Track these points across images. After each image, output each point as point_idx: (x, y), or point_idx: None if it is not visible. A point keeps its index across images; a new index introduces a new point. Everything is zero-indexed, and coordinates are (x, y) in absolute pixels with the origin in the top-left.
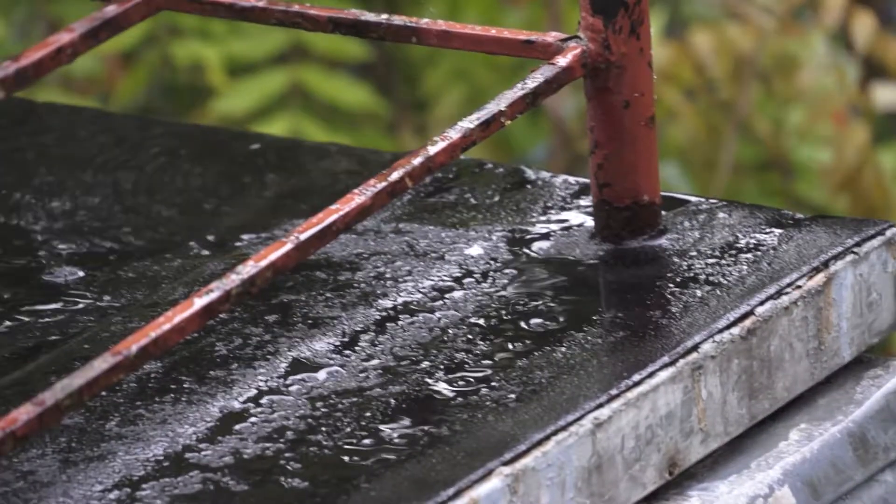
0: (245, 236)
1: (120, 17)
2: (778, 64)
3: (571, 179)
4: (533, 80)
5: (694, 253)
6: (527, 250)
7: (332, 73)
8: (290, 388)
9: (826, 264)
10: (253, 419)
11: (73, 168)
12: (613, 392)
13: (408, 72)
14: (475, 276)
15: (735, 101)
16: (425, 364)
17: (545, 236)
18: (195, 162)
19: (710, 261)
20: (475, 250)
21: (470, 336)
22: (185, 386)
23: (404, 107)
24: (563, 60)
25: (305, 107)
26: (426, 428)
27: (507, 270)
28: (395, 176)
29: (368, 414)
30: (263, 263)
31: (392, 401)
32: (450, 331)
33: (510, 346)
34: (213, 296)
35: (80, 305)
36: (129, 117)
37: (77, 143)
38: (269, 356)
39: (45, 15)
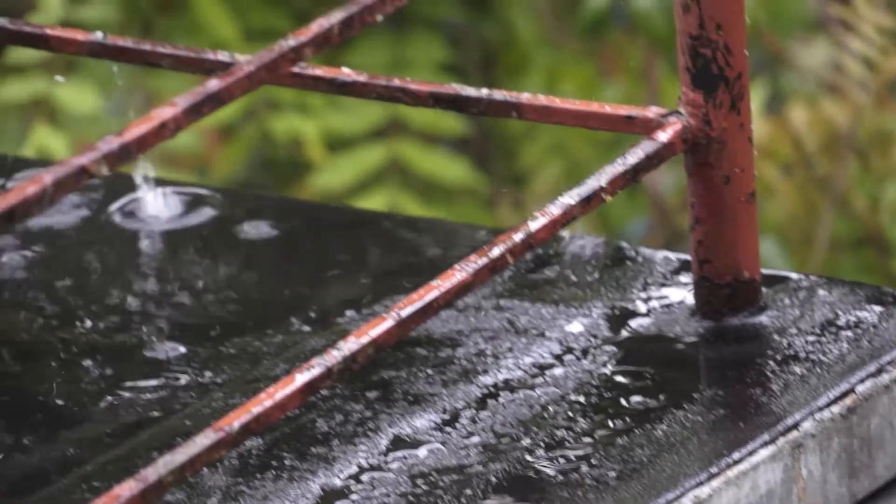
0: (346, 312)
1: (222, 91)
2: (874, 139)
3: (672, 256)
4: (634, 156)
5: (794, 330)
6: (627, 327)
7: (430, 148)
8: (391, 465)
9: None
10: (354, 496)
11: (173, 243)
12: (714, 470)
13: (505, 146)
14: (575, 352)
15: (832, 177)
16: (526, 441)
17: (645, 313)
18: (295, 236)
19: (811, 338)
20: (575, 327)
21: (570, 413)
22: (286, 462)
23: (502, 181)
24: (663, 136)
25: (403, 181)
26: None
27: (607, 347)
28: (495, 252)
29: (469, 491)
30: (365, 340)
31: (492, 478)
32: (550, 408)
33: (610, 424)
34: (315, 372)
35: (182, 381)
36: (228, 191)
37: (180, 218)
38: (369, 433)
39: (143, 88)
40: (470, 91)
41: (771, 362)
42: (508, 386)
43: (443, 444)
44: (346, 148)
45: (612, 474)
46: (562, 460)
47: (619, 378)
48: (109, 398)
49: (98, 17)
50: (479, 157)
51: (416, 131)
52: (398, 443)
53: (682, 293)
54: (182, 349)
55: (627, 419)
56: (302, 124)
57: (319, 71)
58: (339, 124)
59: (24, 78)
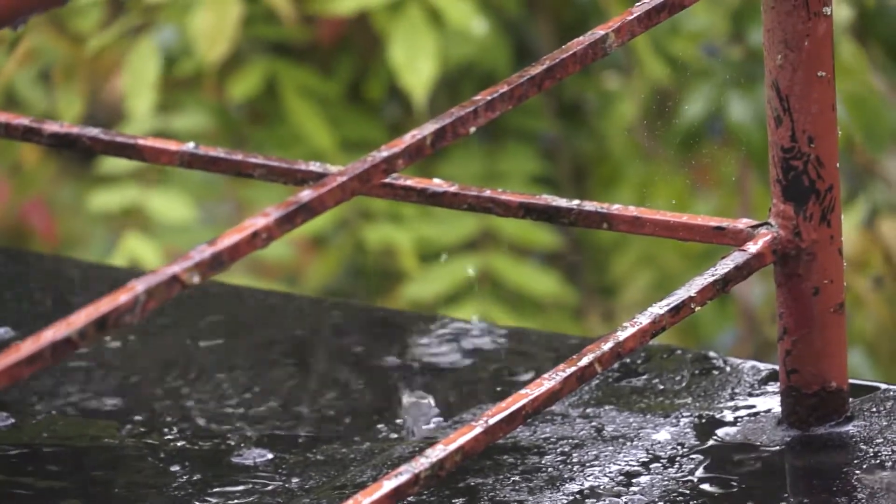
0: (433, 419)
1: (315, 201)
2: None
3: (759, 365)
4: (723, 267)
5: (881, 440)
6: (714, 435)
7: (521, 260)
8: None
9: None
10: None
11: (262, 350)
12: None
13: (596, 256)
14: (662, 461)
15: None
16: None
17: (732, 422)
18: (383, 345)
19: None
20: (662, 435)
21: None
22: None
23: (592, 291)
24: (753, 247)
25: (494, 293)
26: None
27: (693, 456)
28: (584, 361)
29: None
30: (452, 447)
31: None
32: None
33: None
34: (402, 479)
35: (270, 487)
36: (318, 301)
37: (267, 326)
38: None
39: (234, 198)
40: (560, 202)
41: (857, 471)
42: (594, 493)
43: None
44: (438, 259)
45: None
46: None
47: (706, 486)
48: (197, 503)
49: (190, 127)
50: (570, 267)
51: (508, 243)
52: None
53: (769, 402)
54: (269, 455)
55: None
56: (395, 234)
57: (411, 181)
58: (431, 235)
59: (115, 187)
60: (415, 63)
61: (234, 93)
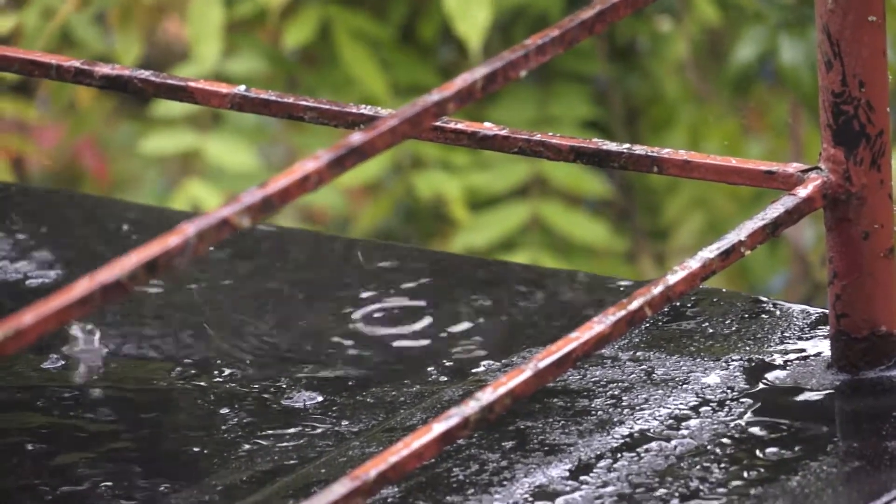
0: (483, 363)
1: (365, 145)
2: None
3: (809, 309)
4: (773, 211)
5: None
6: (763, 379)
7: (571, 208)
8: None
9: None
10: None
11: (314, 293)
12: None
13: (648, 200)
14: (711, 404)
15: None
16: (660, 492)
17: (782, 366)
18: (434, 288)
19: None
20: (712, 379)
21: (705, 464)
22: None
23: (643, 235)
24: (803, 191)
25: (544, 241)
26: None
27: (743, 399)
28: (634, 305)
29: None
30: (502, 390)
31: None
32: (685, 459)
33: (745, 475)
34: (452, 422)
35: (319, 430)
36: (371, 244)
37: (319, 269)
38: (505, 482)
39: (287, 143)
40: (611, 146)
41: None
42: (644, 436)
43: (578, 493)
44: (489, 207)
45: None
46: None
47: (755, 430)
48: (247, 446)
49: (245, 70)
50: (621, 211)
51: (558, 191)
52: (533, 492)
53: (819, 346)
54: (319, 398)
55: (762, 470)
56: (446, 182)
57: (462, 125)
58: (482, 182)
59: (169, 131)
60: (469, 10)
61: (289, 39)
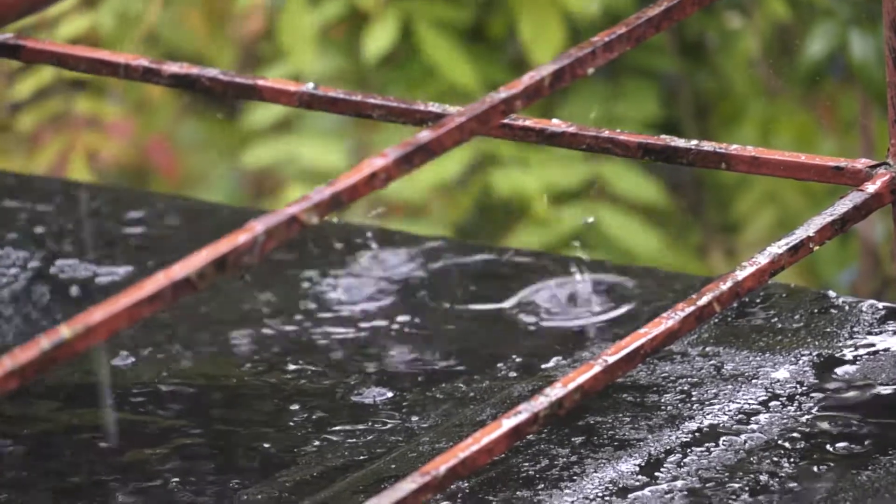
0: (553, 358)
1: (433, 142)
2: None
3: (878, 304)
4: (842, 206)
5: None
6: (833, 374)
7: (628, 214)
8: None
9: None
10: None
11: (382, 291)
12: None
13: (718, 195)
14: (781, 399)
15: None
16: (730, 486)
17: (851, 360)
18: (503, 283)
19: None
20: (781, 374)
21: (775, 459)
22: None
23: (714, 230)
24: (871, 187)
25: (602, 243)
26: None
27: (812, 394)
28: (703, 300)
29: None
30: (572, 386)
31: None
32: (755, 454)
33: (815, 470)
34: (522, 417)
35: (389, 425)
36: (441, 240)
37: (387, 266)
38: (574, 477)
39: (360, 141)
40: (679, 142)
41: None
42: (714, 431)
43: (648, 489)
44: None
45: None
46: None
47: (824, 425)
48: (317, 442)
49: (321, 70)
50: (692, 204)
51: (619, 197)
52: (603, 487)
53: (888, 341)
54: (389, 394)
55: (832, 465)
56: (524, 178)
57: (529, 122)
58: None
59: (262, 141)
60: (544, 36)
61: (370, 48)
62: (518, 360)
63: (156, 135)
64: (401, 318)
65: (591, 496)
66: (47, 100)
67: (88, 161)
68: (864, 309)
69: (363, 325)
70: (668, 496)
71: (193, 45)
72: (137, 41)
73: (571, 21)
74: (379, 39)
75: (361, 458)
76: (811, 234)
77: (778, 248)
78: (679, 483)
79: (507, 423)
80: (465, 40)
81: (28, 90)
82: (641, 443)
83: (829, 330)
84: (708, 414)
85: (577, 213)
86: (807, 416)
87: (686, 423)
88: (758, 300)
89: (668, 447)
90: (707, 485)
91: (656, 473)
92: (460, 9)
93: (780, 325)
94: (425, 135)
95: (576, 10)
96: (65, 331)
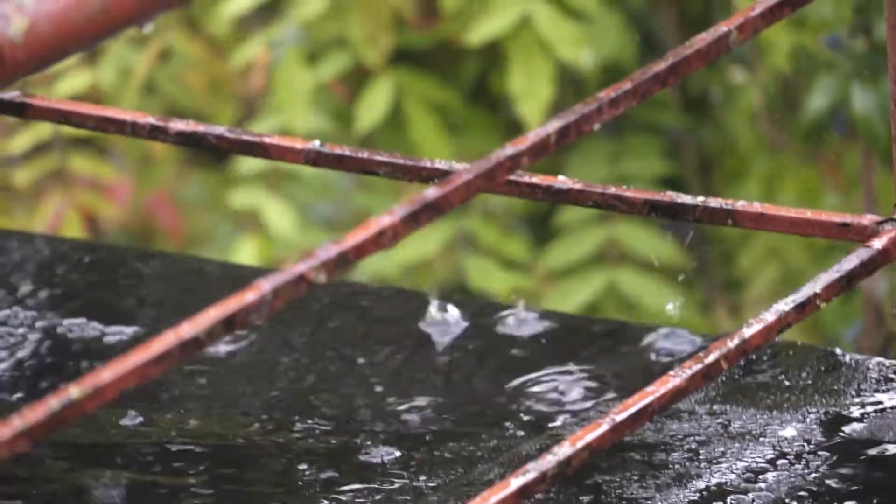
0: (560, 417)
1: (440, 200)
2: None
3: (885, 361)
4: (848, 263)
5: None
6: (840, 432)
7: (645, 274)
8: None
9: None
10: None
11: (389, 349)
12: None
13: (721, 250)
14: (789, 457)
15: None
16: None
17: (859, 418)
18: (508, 343)
19: None
20: (789, 432)
21: None
22: None
23: (718, 286)
24: (878, 243)
25: (620, 305)
26: None
27: (820, 452)
28: (710, 358)
29: None
30: (580, 444)
31: None
32: None
33: None
34: (530, 477)
35: (397, 485)
36: (439, 296)
37: (392, 324)
38: None
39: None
40: (685, 198)
41: None
42: (721, 490)
43: None
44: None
45: None
46: None
47: (832, 482)
48: (325, 502)
49: (313, 128)
50: (696, 260)
51: (633, 257)
52: None
53: (895, 398)
54: (397, 453)
55: None
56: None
57: (536, 178)
58: (557, 254)
59: (249, 186)
60: (533, 90)
61: (362, 120)
62: (526, 418)
63: (158, 192)
64: (408, 378)
65: None
66: (43, 155)
67: (88, 222)
68: (871, 366)
69: (371, 383)
70: None
71: (194, 103)
72: (134, 92)
73: (565, 72)
74: (372, 109)
75: None
76: (818, 291)
77: (785, 304)
78: None
79: (516, 482)
80: (467, 98)
81: (25, 144)
82: (649, 501)
83: (836, 387)
84: (716, 472)
85: (585, 281)
86: (815, 475)
87: (694, 482)
88: (765, 357)
89: None
90: None
91: None
92: (448, 90)
93: (787, 383)
94: (432, 192)
95: (568, 58)
96: (74, 391)
